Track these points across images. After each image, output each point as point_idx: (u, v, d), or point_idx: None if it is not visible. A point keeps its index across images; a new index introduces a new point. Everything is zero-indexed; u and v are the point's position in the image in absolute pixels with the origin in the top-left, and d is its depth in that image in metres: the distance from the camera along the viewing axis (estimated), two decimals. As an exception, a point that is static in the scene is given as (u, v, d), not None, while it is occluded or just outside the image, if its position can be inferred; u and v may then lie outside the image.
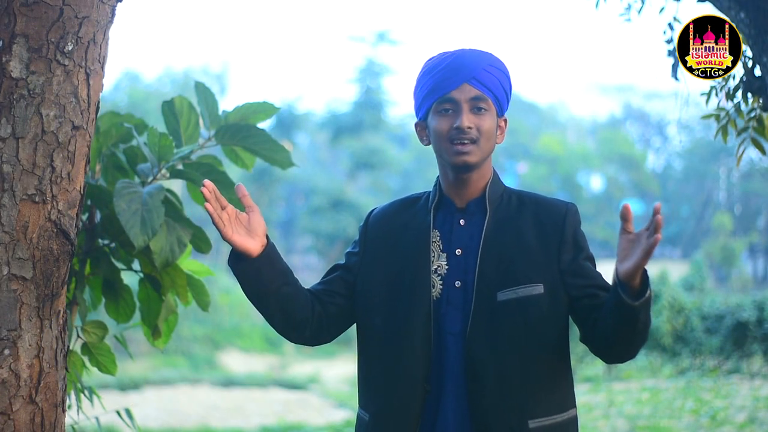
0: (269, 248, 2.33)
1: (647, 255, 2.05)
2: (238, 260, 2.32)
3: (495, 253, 2.32)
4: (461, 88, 2.33)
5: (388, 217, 2.48)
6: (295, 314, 2.40)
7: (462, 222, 2.38)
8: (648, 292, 2.11)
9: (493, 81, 2.35)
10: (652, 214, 2.05)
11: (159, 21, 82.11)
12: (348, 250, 2.53)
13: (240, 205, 2.41)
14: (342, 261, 2.53)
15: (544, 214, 2.36)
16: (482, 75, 2.34)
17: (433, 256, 2.37)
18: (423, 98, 2.39)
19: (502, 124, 2.42)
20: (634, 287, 2.11)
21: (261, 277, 2.33)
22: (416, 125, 2.47)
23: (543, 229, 2.34)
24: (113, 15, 2.44)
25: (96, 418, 3.26)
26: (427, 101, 2.38)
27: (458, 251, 2.36)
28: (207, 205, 2.24)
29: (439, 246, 2.38)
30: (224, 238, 2.27)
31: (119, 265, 3.13)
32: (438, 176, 2.45)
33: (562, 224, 2.34)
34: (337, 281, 2.48)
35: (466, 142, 2.31)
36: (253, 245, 2.30)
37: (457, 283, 2.33)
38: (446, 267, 2.35)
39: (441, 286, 2.34)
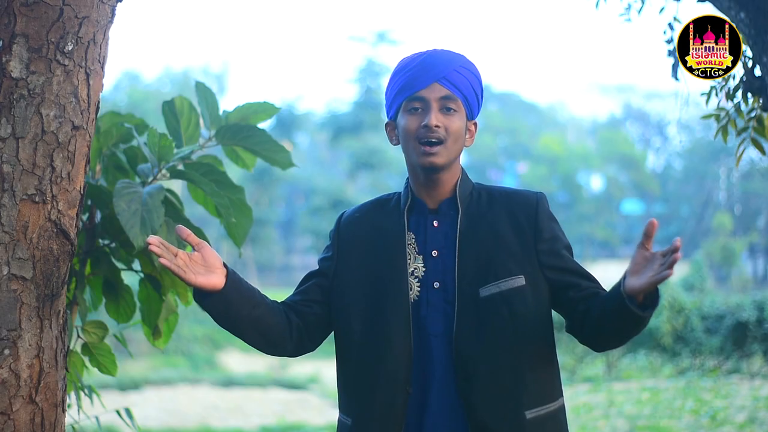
0: (231, 277, 2.29)
1: (655, 284, 2.06)
2: (204, 296, 2.29)
3: (472, 250, 2.33)
4: (431, 87, 2.33)
5: (360, 220, 2.47)
6: (272, 332, 2.38)
7: (435, 223, 2.38)
8: (656, 304, 2.12)
9: (463, 82, 2.35)
10: (672, 250, 2.03)
11: (159, 21, 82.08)
12: (321, 256, 2.52)
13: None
14: (315, 268, 2.51)
15: (515, 206, 2.37)
16: (453, 75, 2.34)
17: (409, 259, 2.37)
18: (393, 97, 2.39)
19: (472, 127, 2.41)
20: (638, 300, 2.12)
21: (230, 307, 2.30)
22: (386, 125, 2.47)
23: (517, 221, 2.35)
24: (113, 15, 2.44)
25: (96, 417, 3.26)
26: (397, 100, 2.38)
27: (434, 252, 2.36)
28: (161, 259, 2.18)
29: (414, 248, 2.37)
30: (188, 284, 2.24)
31: (119, 265, 3.13)
32: (408, 178, 2.45)
33: (534, 215, 2.36)
34: (313, 289, 2.46)
35: (433, 141, 2.31)
36: (216, 280, 2.26)
37: (436, 284, 2.34)
38: (423, 269, 2.35)
39: (419, 288, 2.35)
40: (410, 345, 2.31)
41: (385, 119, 2.50)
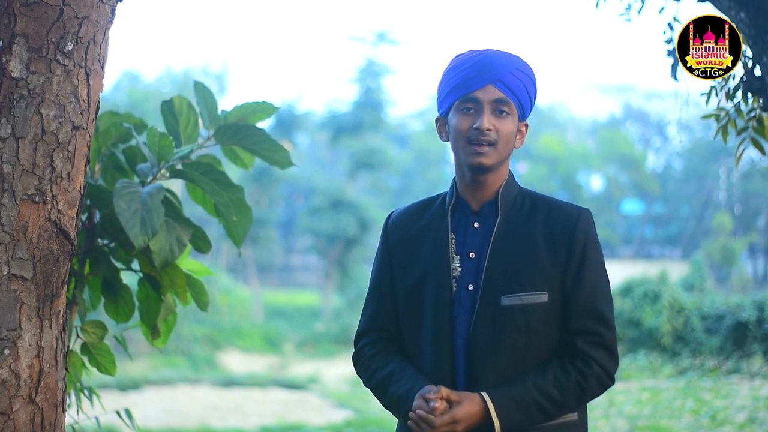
0: None
1: None
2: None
3: (503, 257, 2.31)
4: (485, 89, 2.31)
5: (407, 221, 2.46)
6: None
7: (476, 225, 2.37)
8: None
9: (518, 85, 2.34)
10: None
11: (159, 21, 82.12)
12: (376, 264, 2.51)
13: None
14: (375, 279, 2.50)
15: (555, 220, 2.34)
16: (508, 78, 2.32)
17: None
18: (447, 94, 2.37)
19: (523, 128, 2.40)
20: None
21: None
22: (437, 120, 2.45)
23: (552, 235, 2.32)
24: (113, 15, 2.44)
25: (96, 418, 3.26)
26: (450, 97, 2.36)
27: (472, 254, 2.35)
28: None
29: (453, 248, 2.36)
30: None
31: (119, 265, 3.13)
32: (455, 177, 2.43)
33: (571, 233, 2.32)
34: (390, 305, 2.45)
35: (483, 143, 2.30)
36: None
37: (470, 287, 2.33)
38: (459, 269, 2.35)
39: (455, 289, 2.34)
40: (446, 344, 2.31)
41: (385, 119, 2.50)
